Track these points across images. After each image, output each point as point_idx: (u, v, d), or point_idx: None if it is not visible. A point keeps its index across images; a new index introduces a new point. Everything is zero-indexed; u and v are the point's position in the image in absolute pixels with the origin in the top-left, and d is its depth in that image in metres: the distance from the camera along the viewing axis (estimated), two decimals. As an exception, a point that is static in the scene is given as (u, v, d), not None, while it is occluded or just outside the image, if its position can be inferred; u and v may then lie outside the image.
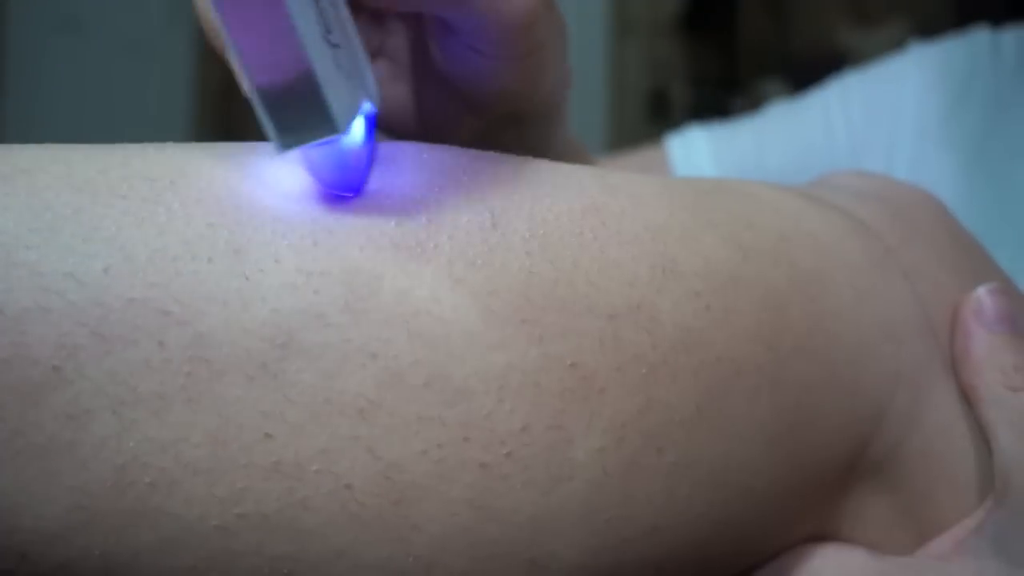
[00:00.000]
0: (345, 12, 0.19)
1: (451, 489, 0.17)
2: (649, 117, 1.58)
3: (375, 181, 0.19)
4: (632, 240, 0.19)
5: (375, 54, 0.28)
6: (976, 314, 0.23)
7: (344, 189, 0.18)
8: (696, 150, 0.53)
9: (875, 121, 0.49)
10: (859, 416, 0.21)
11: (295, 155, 0.18)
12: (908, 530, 0.22)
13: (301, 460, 0.16)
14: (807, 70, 0.53)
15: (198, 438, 0.16)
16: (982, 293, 0.23)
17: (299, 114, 0.16)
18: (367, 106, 0.19)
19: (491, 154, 0.20)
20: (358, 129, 0.18)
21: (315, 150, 0.18)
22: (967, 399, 0.22)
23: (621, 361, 0.18)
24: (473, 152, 0.20)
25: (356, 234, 0.17)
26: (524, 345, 0.17)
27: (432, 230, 0.18)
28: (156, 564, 0.16)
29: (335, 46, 0.17)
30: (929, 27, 0.51)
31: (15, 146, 0.17)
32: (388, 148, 0.20)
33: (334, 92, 0.16)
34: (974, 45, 0.49)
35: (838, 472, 0.22)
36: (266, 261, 0.17)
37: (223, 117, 1.50)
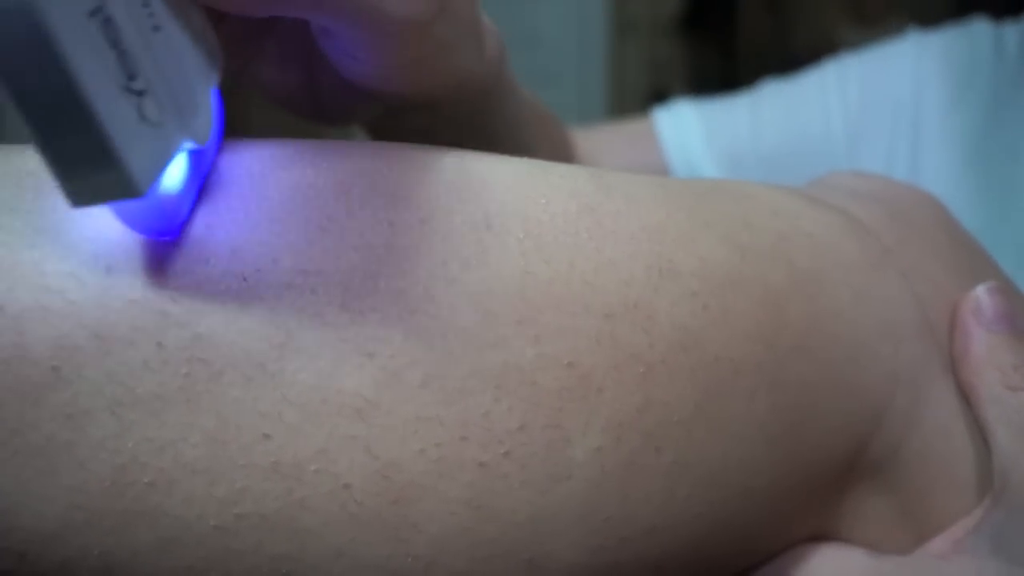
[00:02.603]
0: (173, 28, 0.16)
1: (449, 488, 0.17)
2: (649, 117, 1.58)
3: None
4: (628, 240, 0.19)
5: (264, 33, 0.25)
6: (975, 313, 0.23)
7: (158, 235, 0.17)
8: (687, 129, 0.52)
9: (873, 110, 0.48)
10: (858, 416, 0.21)
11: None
12: (907, 530, 0.22)
13: (299, 460, 0.16)
14: (807, 70, 0.53)
15: (197, 438, 0.16)
16: (981, 292, 0.23)
17: (91, 174, 0.14)
18: (188, 146, 0.17)
19: (485, 154, 0.20)
20: (175, 175, 0.16)
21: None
22: (966, 398, 0.22)
23: (618, 360, 0.18)
24: (463, 152, 0.20)
25: (350, 234, 0.17)
26: (521, 344, 0.17)
27: (425, 231, 0.18)
28: (155, 563, 0.16)
29: (140, 93, 0.15)
30: (928, 26, 0.50)
31: (23, 147, 0.18)
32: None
33: (133, 151, 0.14)
34: (976, 37, 0.47)
35: (837, 472, 0.22)
36: (263, 261, 0.17)
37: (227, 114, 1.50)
